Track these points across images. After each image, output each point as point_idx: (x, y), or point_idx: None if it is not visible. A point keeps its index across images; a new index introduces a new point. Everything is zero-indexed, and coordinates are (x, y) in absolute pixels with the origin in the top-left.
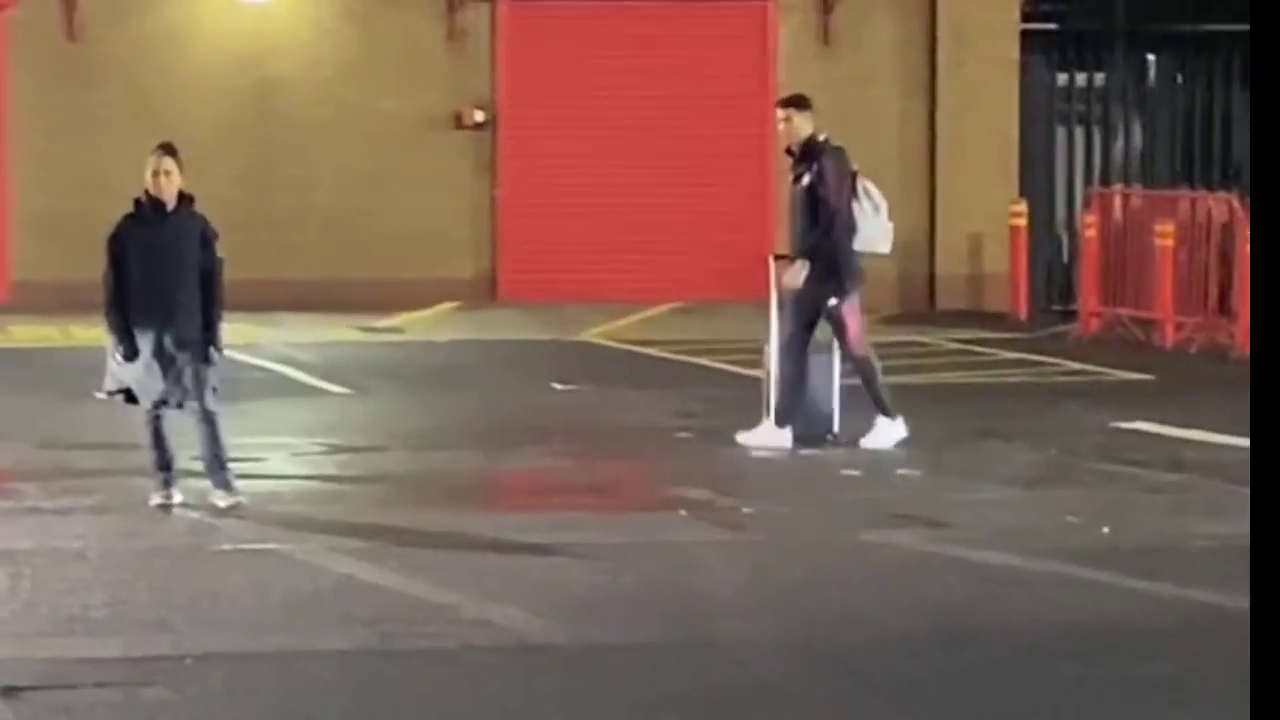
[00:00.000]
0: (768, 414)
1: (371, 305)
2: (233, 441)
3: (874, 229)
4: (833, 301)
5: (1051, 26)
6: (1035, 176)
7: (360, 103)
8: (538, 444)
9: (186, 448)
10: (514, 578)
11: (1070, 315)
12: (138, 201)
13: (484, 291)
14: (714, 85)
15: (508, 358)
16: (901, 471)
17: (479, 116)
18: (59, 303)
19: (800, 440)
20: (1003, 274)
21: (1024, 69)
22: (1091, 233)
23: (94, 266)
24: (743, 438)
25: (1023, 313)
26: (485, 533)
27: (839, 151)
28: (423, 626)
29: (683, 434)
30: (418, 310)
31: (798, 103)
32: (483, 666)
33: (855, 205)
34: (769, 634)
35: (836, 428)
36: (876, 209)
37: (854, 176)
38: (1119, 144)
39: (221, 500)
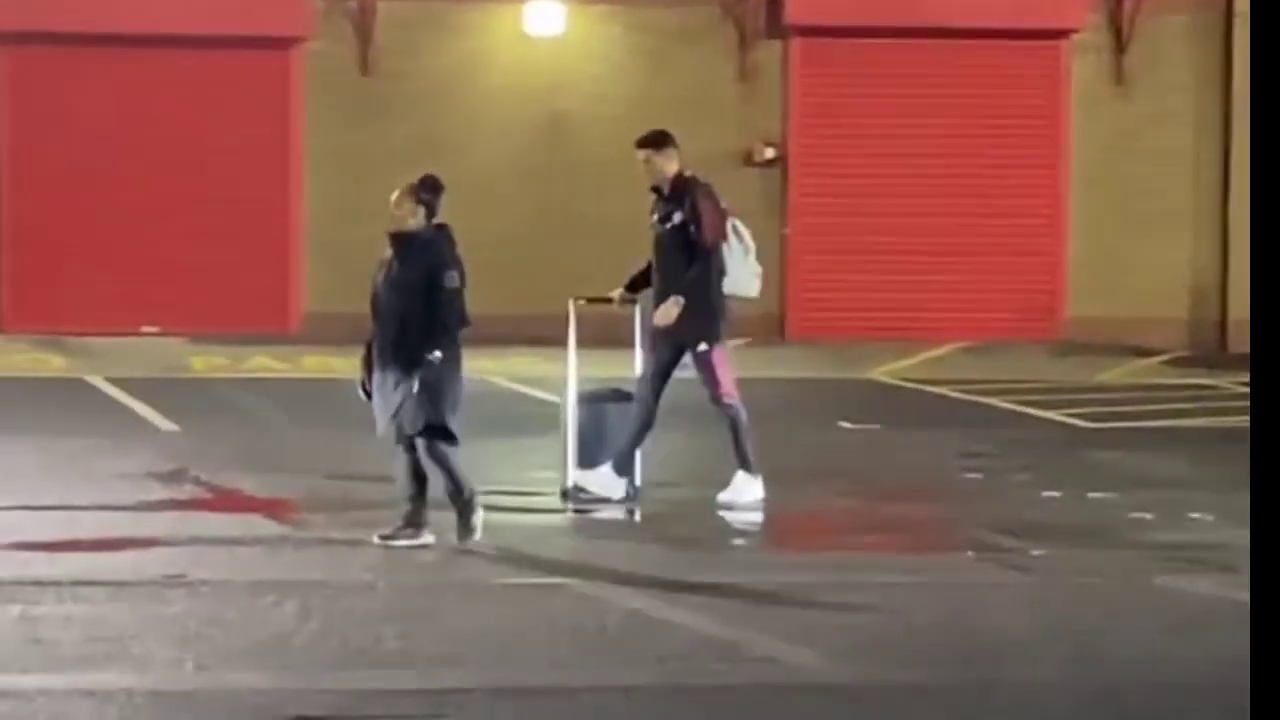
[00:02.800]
0: (565, 468)
1: None
2: (520, 475)
3: (743, 272)
4: (703, 347)
5: None
6: None
7: None
8: (825, 483)
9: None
10: (800, 616)
11: None
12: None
13: (772, 329)
14: (1006, 124)
15: (795, 396)
16: (1193, 515)
17: (769, 154)
18: (349, 334)
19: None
20: None
21: None
22: None
23: None
24: (723, 497)
25: None
26: (772, 571)
27: (710, 188)
28: (709, 663)
29: (971, 475)
30: None
31: (654, 142)
32: (770, 705)
33: (724, 246)
34: (1059, 678)
35: (639, 480)
36: (747, 251)
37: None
38: None
39: (458, 539)
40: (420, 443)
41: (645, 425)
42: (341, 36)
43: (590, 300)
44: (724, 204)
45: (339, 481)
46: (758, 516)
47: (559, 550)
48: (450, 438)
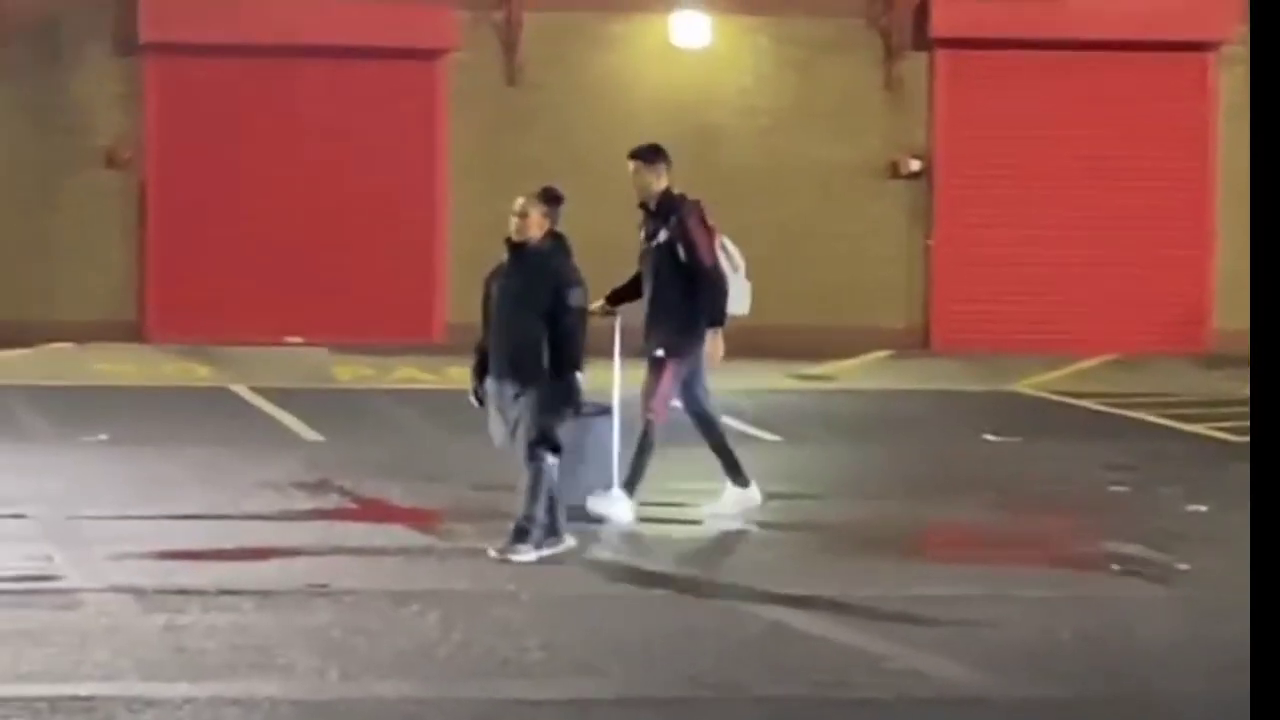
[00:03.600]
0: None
1: (804, 352)
2: (667, 485)
3: (733, 289)
4: (660, 353)
5: None
6: None
7: (797, 151)
8: (969, 495)
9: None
10: (944, 629)
11: None
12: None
13: (916, 341)
14: (1153, 136)
15: (939, 408)
16: None
17: (915, 166)
18: None
19: (572, 511)
20: None
21: None
22: None
23: None
24: (709, 510)
25: None
26: (916, 583)
27: (698, 205)
28: (854, 676)
29: (1116, 488)
30: (850, 358)
31: (644, 155)
32: (915, 718)
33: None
34: (1204, 691)
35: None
36: (736, 268)
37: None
38: None
39: (498, 551)
40: (525, 449)
41: (719, 434)
42: (487, 48)
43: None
44: (712, 222)
45: (483, 492)
46: (890, 529)
47: (699, 562)
48: (557, 449)
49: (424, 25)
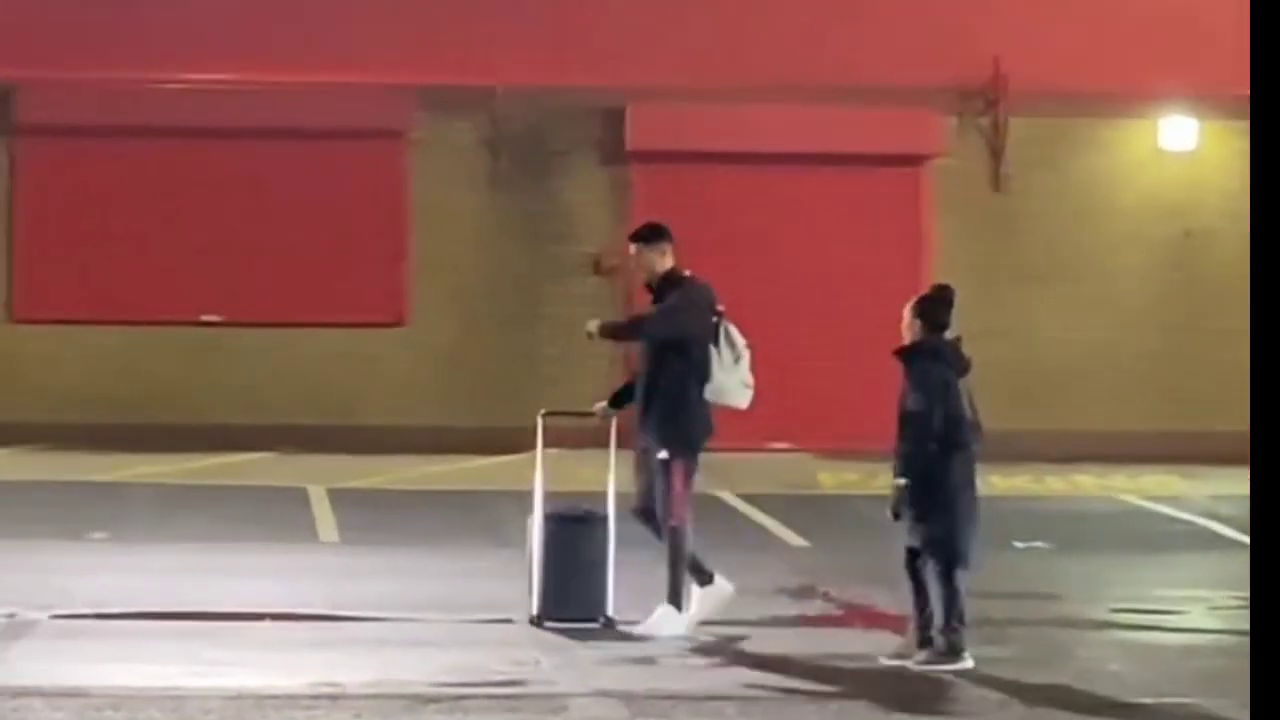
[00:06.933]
0: (530, 593)
1: None
2: (1152, 593)
3: (729, 380)
4: (664, 455)
5: None
6: None
7: None
8: None
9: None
10: None
11: None
12: None
13: None
14: None
15: None
16: None
17: None
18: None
19: (562, 624)
20: None
21: None
22: None
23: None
24: (640, 630)
25: None
26: None
27: (697, 285)
28: None
29: None
30: None
31: (645, 235)
32: None
33: (712, 349)
34: None
35: (611, 609)
36: (738, 358)
37: (718, 317)
38: None
39: (917, 663)
40: (920, 560)
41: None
42: (974, 153)
43: (550, 414)
44: (720, 306)
45: (971, 599)
46: None
47: (1187, 670)
48: (946, 557)
49: (912, 131)
